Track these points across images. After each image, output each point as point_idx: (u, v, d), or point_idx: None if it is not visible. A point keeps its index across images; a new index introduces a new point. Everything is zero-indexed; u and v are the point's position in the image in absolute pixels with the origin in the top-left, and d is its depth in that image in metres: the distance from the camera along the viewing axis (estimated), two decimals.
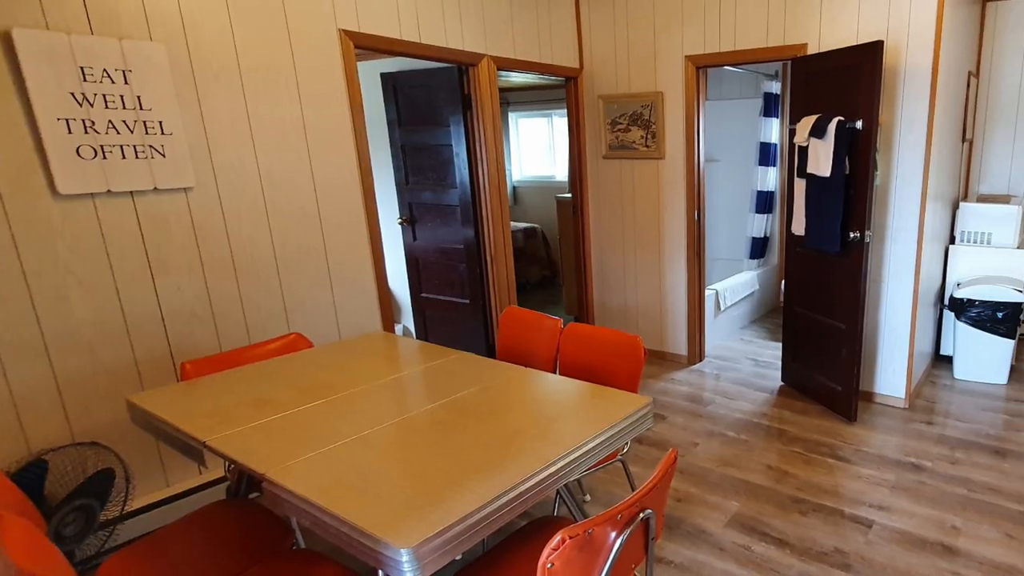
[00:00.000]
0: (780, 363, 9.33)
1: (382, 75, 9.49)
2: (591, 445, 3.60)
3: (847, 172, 6.85)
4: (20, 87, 4.66)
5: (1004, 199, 9.26)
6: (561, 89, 15.55)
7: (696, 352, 9.49)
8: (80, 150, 4.92)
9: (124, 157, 5.16)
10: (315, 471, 3.34)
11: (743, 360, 9.85)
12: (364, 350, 5.35)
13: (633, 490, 5.13)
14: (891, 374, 7.95)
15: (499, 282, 8.85)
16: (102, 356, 5.28)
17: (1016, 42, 9.53)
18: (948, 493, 6.04)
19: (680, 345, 9.52)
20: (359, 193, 6.86)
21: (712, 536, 5.52)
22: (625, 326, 9.87)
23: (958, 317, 8.64)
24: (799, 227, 7.60)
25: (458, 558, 4.03)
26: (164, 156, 5.38)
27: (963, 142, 9.32)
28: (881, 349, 7.91)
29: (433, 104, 8.92)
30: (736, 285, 10.85)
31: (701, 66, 8.63)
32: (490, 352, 9.11)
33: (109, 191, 5.12)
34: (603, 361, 5.07)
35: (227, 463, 5.15)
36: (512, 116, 17.16)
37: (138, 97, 5.22)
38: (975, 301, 8.46)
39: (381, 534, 2.75)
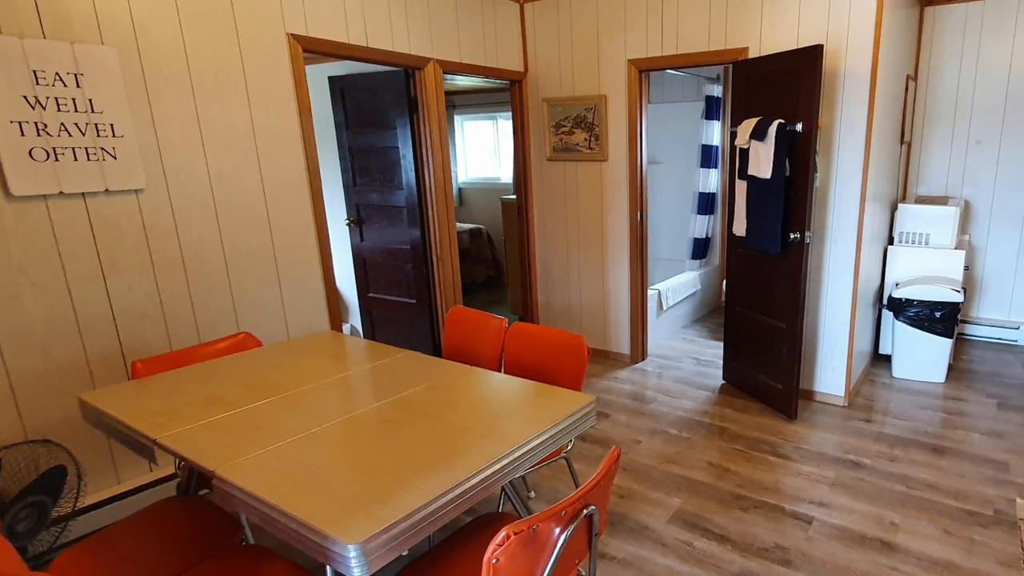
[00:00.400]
0: (722, 362, 9.55)
1: (330, 78, 9.55)
2: (536, 443, 3.68)
3: (787, 174, 6.99)
4: None
5: (942, 200, 9.46)
6: (506, 92, 15.67)
7: (639, 351, 9.65)
8: (33, 152, 4.97)
9: (76, 159, 5.20)
10: (264, 468, 3.39)
11: (685, 359, 10.01)
12: (312, 349, 5.42)
13: (577, 487, 5.24)
14: (831, 373, 8.12)
15: (445, 282, 8.93)
16: (54, 355, 5.33)
17: (953, 46, 9.73)
18: (887, 490, 6.16)
19: (623, 344, 9.67)
20: (307, 195, 6.93)
21: (655, 532, 5.60)
22: (569, 325, 10.00)
23: (897, 317, 8.82)
24: (740, 228, 7.74)
25: (405, 554, 4.11)
26: (115, 158, 5.43)
27: (902, 144, 9.52)
28: (821, 348, 8.08)
29: (380, 107, 8.99)
30: (678, 285, 11.01)
31: (644, 70, 8.78)
32: (436, 351, 9.19)
33: (61, 192, 5.16)
34: (547, 360, 5.16)
35: (177, 460, 5.17)
36: (458, 119, 17.24)
37: (90, 100, 5.27)
38: (913, 301, 8.64)
39: (329, 530, 2.80)
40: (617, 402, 8.43)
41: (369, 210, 9.55)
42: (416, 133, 8.58)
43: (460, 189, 17.52)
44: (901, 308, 8.80)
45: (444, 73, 8.63)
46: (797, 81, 6.94)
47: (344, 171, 9.66)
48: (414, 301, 9.24)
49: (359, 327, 10.68)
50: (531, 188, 9.99)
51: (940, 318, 8.58)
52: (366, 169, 9.22)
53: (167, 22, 5.66)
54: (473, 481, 3.32)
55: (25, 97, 4.89)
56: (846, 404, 8.25)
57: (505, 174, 16.93)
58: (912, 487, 6.29)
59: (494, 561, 2.68)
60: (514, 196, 11.10)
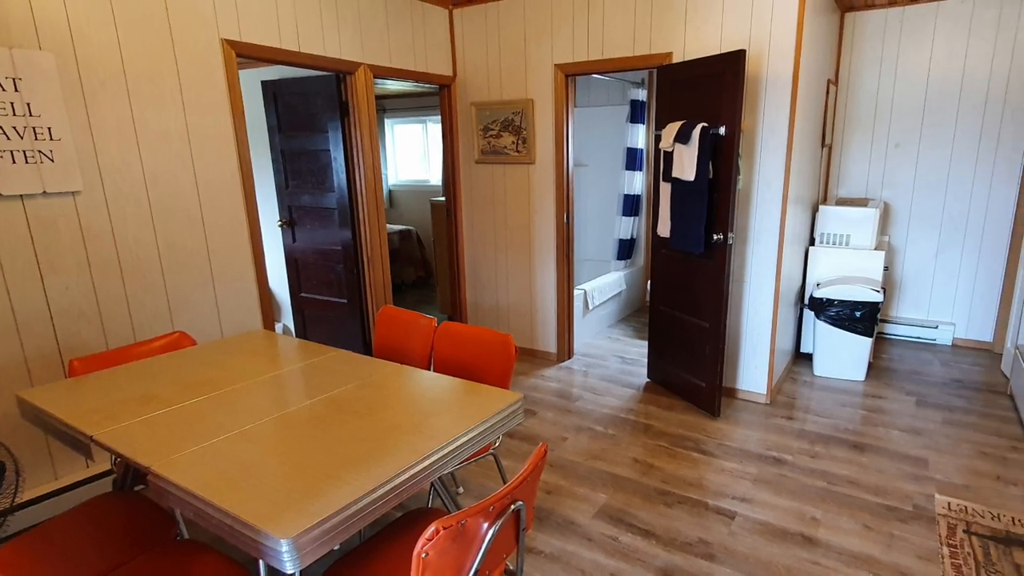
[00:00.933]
0: (646, 360, 9.71)
1: (263, 83, 9.61)
2: (464, 439, 3.76)
3: (711, 176, 7.15)
4: None
5: (862, 202, 9.74)
6: (435, 96, 15.79)
7: (565, 350, 9.84)
8: None
9: (14, 162, 5.27)
10: (198, 464, 3.46)
11: (611, 357, 10.18)
12: (245, 348, 5.51)
13: (505, 483, 5.33)
14: (753, 371, 8.32)
15: (375, 282, 9.03)
16: None
17: (872, 52, 9.96)
18: (808, 486, 6.30)
19: (550, 343, 9.84)
20: (240, 196, 7.01)
21: (581, 527, 5.70)
22: (497, 325, 10.11)
23: (818, 316, 9.01)
24: (664, 229, 7.91)
25: (336, 548, 4.23)
26: (53, 161, 5.49)
27: (823, 147, 9.73)
28: (743, 347, 8.26)
29: (312, 111, 9.07)
30: (604, 285, 11.16)
31: (570, 74, 8.95)
32: (367, 350, 9.27)
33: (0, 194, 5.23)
34: (476, 359, 5.26)
35: (113, 457, 5.26)
36: (388, 122, 17.32)
37: (28, 104, 5.33)
38: (834, 301, 8.83)
39: (261, 525, 2.87)
40: (544, 400, 8.58)
41: (301, 212, 9.63)
42: (347, 136, 8.68)
43: (390, 191, 17.59)
44: (822, 308, 8.99)
45: (374, 77, 8.74)
46: (720, 85, 7.10)
47: (276, 173, 9.72)
48: (345, 301, 9.33)
49: (291, 326, 10.75)
50: (460, 190, 10.11)
51: (860, 317, 8.78)
52: (298, 172, 9.29)
53: (104, 28, 5.73)
54: (403, 477, 3.40)
55: None
56: (768, 402, 8.41)
57: (434, 176, 17.03)
58: (833, 483, 6.41)
59: (424, 555, 2.73)
60: (443, 198, 11.23)
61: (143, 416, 4.17)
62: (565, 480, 6.64)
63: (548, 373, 9.55)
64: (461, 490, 6.38)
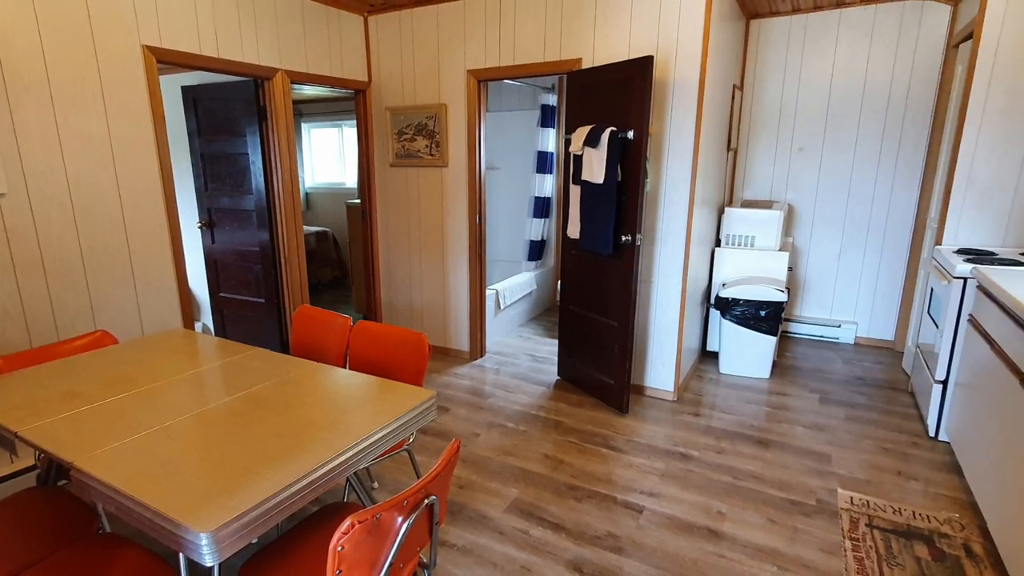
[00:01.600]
0: (556, 358, 10.01)
1: (183, 88, 9.68)
2: (379, 435, 3.85)
3: (619, 179, 7.31)
4: None
5: (766, 204, 9.88)
6: (351, 101, 15.88)
7: (478, 348, 10.05)
8: None
9: None
10: (120, 460, 3.53)
11: (522, 356, 10.38)
12: (166, 346, 5.59)
13: (418, 478, 5.46)
14: (661, 369, 8.52)
15: (292, 282, 9.17)
16: None
17: (777, 58, 10.21)
18: (714, 480, 6.46)
19: (463, 341, 10.05)
20: (161, 199, 7.12)
21: (493, 521, 5.82)
22: (411, 324, 10.31)
23: (724, 315, 9.23)
24: (574, 231, 8.11)
25: (254, 541, 4.34)
26: None
27: (728, 151, 9.96)
28: (651, 345, 8.45)
29: (231, 115, 9.16)
30: (515, 285, 11.32)
31: (482, 79, 9.15)
32: (284, 348, 9.41)
33: None
34: (390, 357, 5.34)
35: (37, 452, 5.33)
36: (305, 126, 17.40)
37: None
38: (739, 300, 9.05)
39: (181, 519, 2.95)
40: (457, 397, 8.74)
41: (220, 214, 9.70)
42: (265, 140, 8.78)
43: (307, 194, 17.65)
44: (728, 307, 9.22)
45: (292, 83, 8.85)
46: (628, 90, 7.25)
47: (196, 176, 9.80)
48: (263, 300, 9.42)
49: (211, 325, 10.81)
50: (375, 192, 10.24)
51: (765, 317, 9.01)
52: (217, 175, 9.38)
53: (27, 33, 5.81)
54: (319, 472, 3.51)
55: None
56: (675, 399, 8.60)
57: (350, 179, 17.14)
58: (738, 478, 6.56)
59: (339, 548, 2.81)
60: (359, 200, 11.34)
61: (66, 413, 4.23)
62: (477, 475, 6.75)
63: (461, 371, 9.72)
64: (376, 485, 6.47)
